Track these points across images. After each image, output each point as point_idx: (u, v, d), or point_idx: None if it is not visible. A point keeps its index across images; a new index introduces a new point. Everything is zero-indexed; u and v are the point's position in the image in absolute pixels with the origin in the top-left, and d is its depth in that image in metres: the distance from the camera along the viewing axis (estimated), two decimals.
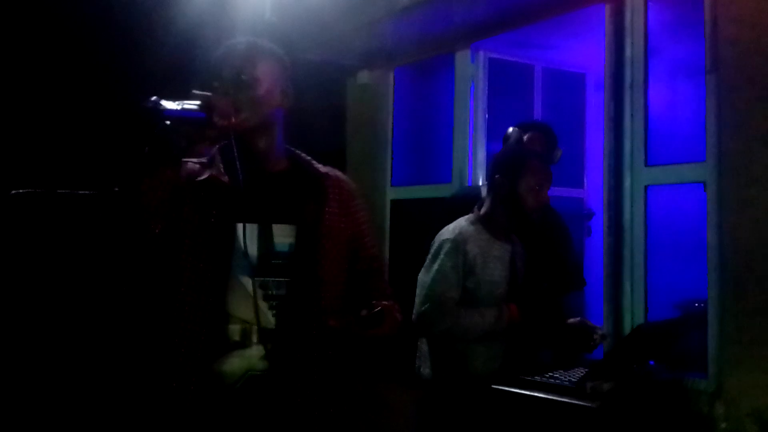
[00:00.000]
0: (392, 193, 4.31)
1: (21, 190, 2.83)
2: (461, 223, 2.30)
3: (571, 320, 2.30)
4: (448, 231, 2.27)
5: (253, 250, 1.50)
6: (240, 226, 1.49)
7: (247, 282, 1.49)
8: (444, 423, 2.20)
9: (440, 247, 2.23)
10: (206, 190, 1.52)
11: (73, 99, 3.73)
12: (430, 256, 2.26)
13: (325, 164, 1.69)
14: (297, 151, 1.66)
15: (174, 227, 1.48)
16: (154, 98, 1.38)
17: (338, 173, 1.68)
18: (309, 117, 4.17)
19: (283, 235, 1.53)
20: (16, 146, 3.54)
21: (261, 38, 1.64)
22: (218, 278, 1.47)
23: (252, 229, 1.51)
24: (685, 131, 3.03)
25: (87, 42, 3.70)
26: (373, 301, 1.51)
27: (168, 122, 1.37)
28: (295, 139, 1.74)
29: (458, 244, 2.20)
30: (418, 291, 2.23)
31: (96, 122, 3.72)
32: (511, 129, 2.87)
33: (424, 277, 2.23)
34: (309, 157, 1.65)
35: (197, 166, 1.54)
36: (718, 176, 2.58)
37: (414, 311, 2.21)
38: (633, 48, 2.95)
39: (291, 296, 1.52)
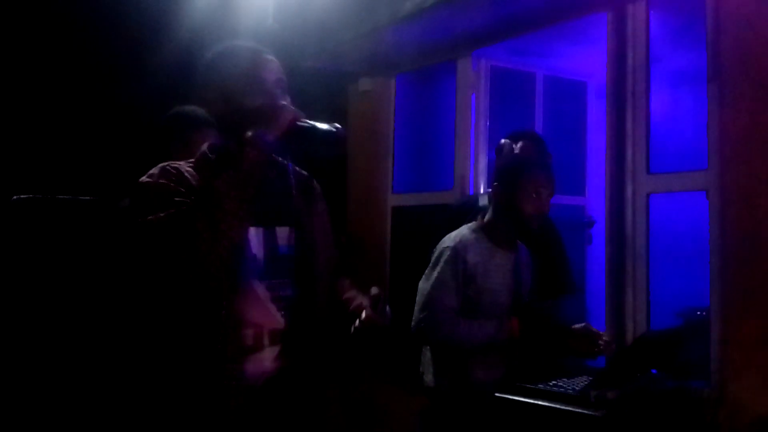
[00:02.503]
0: (393, 200, 4.31)
1: (23, 196, 2.83)
2: (463, 231, 2.30)
3: (576, 326, 2.30)
4: (450, 239, 2.27)
5: (260, 253, 1.53)
6: (251, 230, 1.51)
7: (257, 285, 1.51)
8: (447, 431, 2.20)
9: (441, 254, 2.23)
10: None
11: (76, 105, 3.73)
12: (431, 264, 2.26)
13: (326, 171, 1.72)
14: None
15: None
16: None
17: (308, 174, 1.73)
18: None
19: (283, 237, 1.57)
20: (17, 152, 3.54)
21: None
22: (231, 283, 1.48)
23: (258, 233, 1.53)
24: (687, 139, 3.03)
25: (89, 49, 3.71)
26: (352, 307, 1.60)
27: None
28: None
29: (458, 252, 2.20)
30: (417, 298, 2.22)
31: (98, 128, 3.72)
32: (502, 140, 2.93)
33: (423, 285, 2.22)
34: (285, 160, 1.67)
35: (190, 168, 1.53)
36: (720, 184, 2.58)
37: (413, 319, 2.21)
38: (635, 56, 2.96)
39: (297, 296, 1.56)
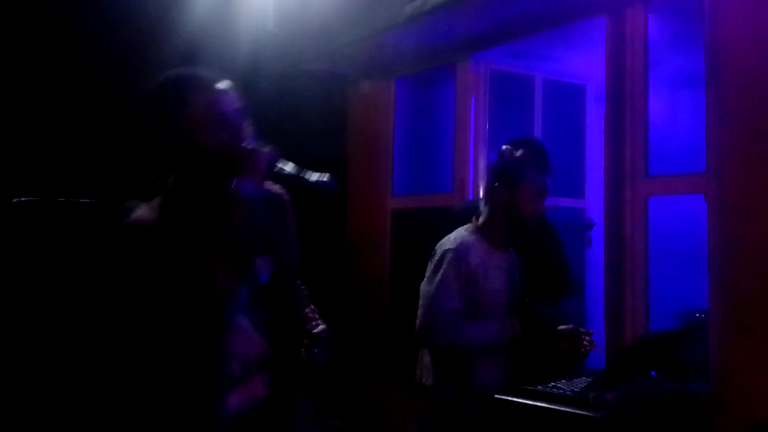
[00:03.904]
0: (393, 203, 4.32)
1: (22, 198, 2.83)
2: (461, 233, 2.31)
3: (562, 327, 2.31)
4: (450, 241, 2.28)
5: (242, 292, 1.47)
6: None
7: (241, 318, 1.47)
8: None
9: (442, 257, 2.23)
10: None
11: (76, 109, 3.74)
12: (432, 267, 2.26)
13: (325, 174, 1.66)
14: None
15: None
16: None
17: (278, 187, 1.59)
18: (310, 127, 4.20)
19: (262, 266, 1.52)
20: (17, 155, 3.55)
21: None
22: (221, 321, 1.44)
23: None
24: (686, 142, 3.04)
25: (90, 53, 3.72)
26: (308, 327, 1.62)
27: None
28: (296, 149, 1.73)
29: (460, 254, 2.21)
30: (421, 302, 2.23)
31: (98, 132, 3.73)
32: (504, 147, 2.97)
33: (426, 288, 2.23)
34: None
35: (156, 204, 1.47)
36: (718, 187, 2.59)
37: (417, 322, 2.21)
38: (633, 59, 2.97)
39: (277, 322, 1.53)
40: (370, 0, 3.73)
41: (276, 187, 1.58)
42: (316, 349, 1.59)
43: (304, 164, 1.48)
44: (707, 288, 2.59)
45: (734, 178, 2.55)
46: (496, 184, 2.31)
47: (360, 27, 3.78)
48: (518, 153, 2.90)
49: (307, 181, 1.39)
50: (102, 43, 3.74)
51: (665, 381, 2.27)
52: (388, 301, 4.13)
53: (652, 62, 2.95)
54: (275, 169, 1.39)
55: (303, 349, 1.60)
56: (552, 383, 2.07)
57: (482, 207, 2.87)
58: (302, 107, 4.19)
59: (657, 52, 2.99)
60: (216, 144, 1.38)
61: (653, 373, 2.27)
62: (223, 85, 1.45)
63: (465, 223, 2.40)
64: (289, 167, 1.41)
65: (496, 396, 2.05)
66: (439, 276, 2.20)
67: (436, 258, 2.26)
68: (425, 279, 2.26)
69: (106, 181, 3.29)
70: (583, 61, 3.84)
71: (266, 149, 1.40)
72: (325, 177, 1.39)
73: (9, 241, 2.67)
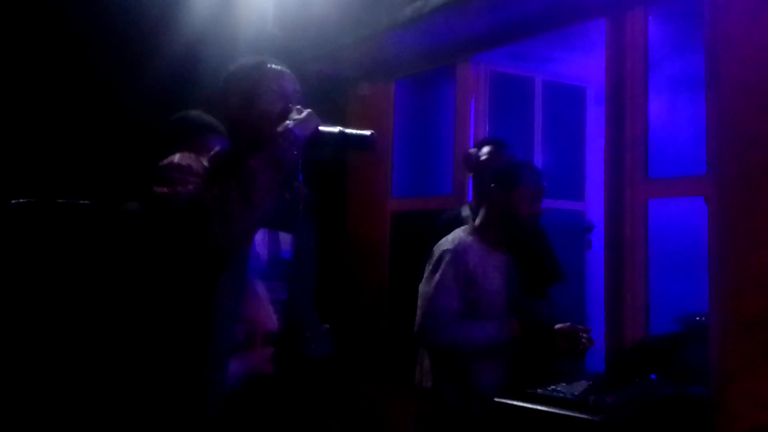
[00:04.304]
0: (393, 205, 4.32)
1: (21, 200, 2.82)
2: (459, 233, 2.32)
3: (559, 325, 2.31)
4: (447, 242, 2.29)
5: (263, 253, 1.57)
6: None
7: (258, 284, 1.55)
8: None
9: (441, 258, 2.24)
10: None
11: (75, 110, 3.73)
12: (430, 268, 2.27)
13: (325, 176, 1.75)
14: None
15: None
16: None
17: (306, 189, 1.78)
18: None
19: (285, 243, 1.62)
20: (16, 156, 3.54)
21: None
22: (235, 280, 1.50)
23: (263, 234, 1.57)
24: (686, 145, 3.04)
25: (90, 54, 3.72)
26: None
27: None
28: None
29: (458, 254, 2.21)
30: (420, 302, 2.23)
31: (97, 133, 3.72)
32: (470, 150, 3.13)
33: (425, 288, 2.23)
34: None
35: (206, 163, 1.57)
36: (718, 190, 2.59)
37: (416, 323, 2.21)
38: (633, 62, 2.97)
39: (291, 300, 1.61)
40: (370, 1, 3.73)
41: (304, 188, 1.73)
42: (316, 340, 1.62)
43: (303, 165, 1.60)
44: (707, 291, 2.59)
45: (734, 180, 2.54)
46: (493, 185, 2.31)
47: (360, 28, 3.78)
48: (483, 153, 2.99)
49: (350, 135, 1.58)
50: (102, 45, 3.74)
51: (665, 384, 2.27)
52: (388, 303, 4.12)
53: (653, 64, 2.95)
54: (321, 130, 1.55)
55: (302, 341, 1.63)
56: (552, 386, 2.07)
57: (464, 213, 2.90)
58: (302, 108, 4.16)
59: (657, 55, 2.99)
60: (274, 110, 1.57)
61: (653, 376, 2.27)
62: (287, 70, 1.69)
63: (447, 232, 2.41)
64: (333, 128, 1.58)
65: (497, 399, 2.05)
66: (437, 277, 2.20)
67: (434, 259, 2.26)
68: (423, 280, 2.26)
69: (105, 182, 3.28)
70: (584, 63, 3.84)
71: (314, 114, 1.58)
72: (367, 132, 1.59)
73: (7, 243, 2.67)
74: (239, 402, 1.50)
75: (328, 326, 1.70)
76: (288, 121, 1.51)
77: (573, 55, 3.75)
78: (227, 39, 3.83)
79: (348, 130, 1.57)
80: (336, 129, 1.57)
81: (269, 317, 1.55)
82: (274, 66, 1.66)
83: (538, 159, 3.89)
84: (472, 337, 2.17)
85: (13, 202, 2.69)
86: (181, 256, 1.46)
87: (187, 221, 1.41)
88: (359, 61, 4.18)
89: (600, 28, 3.09)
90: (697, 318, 2.76)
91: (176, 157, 1.52)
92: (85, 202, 2.69)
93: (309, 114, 1.56)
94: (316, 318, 1.74)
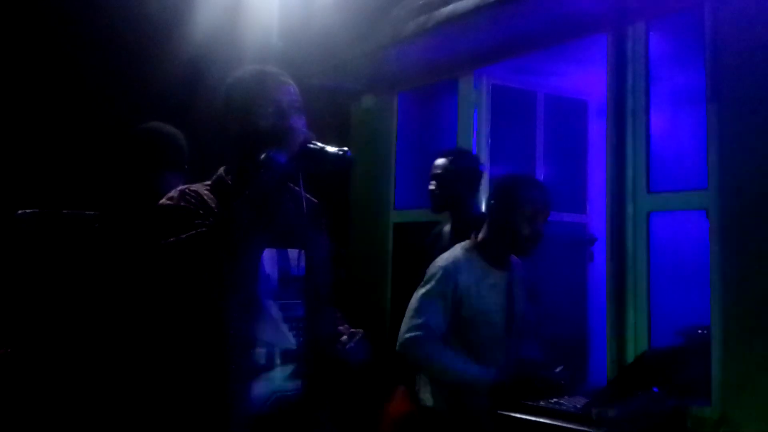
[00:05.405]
0: (395, 217, 4.33)
1: (27, 210, 2.84)
2: (457, 250, 2.26)
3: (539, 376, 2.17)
4: (443, 259, 2.24)
5: (273, 273, 1.57)
6: (265, 251, 1.55)
7: (270, 305, 1.55)
8: None
9: (433, 274, 2.20)
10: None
11: (81, 121, 3.76)
12: (422, 282, 2.24)
13: (328, 189, 1.75)
14: None
15: None
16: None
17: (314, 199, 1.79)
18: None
19: (294, 259, 1.61)
20: (22, 166, 3.57)
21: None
22: (245, 303, 1.51)
23: (271, 254, 1.57)
24: (687, 158, 3.05)
25: (96, 65, 3.75)
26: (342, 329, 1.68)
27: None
28: None
29: (449, 272, 2.16)
30: (405, 316, 2.20)
31: (102, 146, 3.75)
32: (439, 161, 2.96)
33: (410, 303, 2.20)
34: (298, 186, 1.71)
35: (207, 191, 1.57)
36: (720, 203, 2.60)
37: (398, 336, 2.18)
38: (634, 76, 2.99)
39: (308, 317, 1.60)
40: (375, 16, 3.77)
41: (315, 200, 1.75)
42: (352, 343, 1.62)
43: (305, 178, 1.61)
44: (709, 304, 2.59)
45: (735, 194, 2.55)
46: (492, 201, 2.26)
47: (364, 42, 3.82)
48: (449, 161, 2.88)
49: (328, 153, 1.54)
50: (108, 56, 3.78)
51: (667, 397, 2.26)
52: (390, 315, 4.12)
53: (654, 78, 2.97)
54: (307, 145, 1.54)
55: (338, 345, 1.62)
56: (554, 399, 2.06)
57: (446, 228, 2.84)
58: (306, 120, 4.19)
59: (658, 69, 3.01)
60: (266, 126, 1.56)
61: (655, 389, 2.26)
62: (284, 78, 1.66)
63: (432, 252, 2.37)
64: (316, 144, 1.56)
65: (499, 412, 2.04)
66: (423, 291, 2.18)
67: (428, 274, 2.23)
68: (413, 294, 2.23)
69: (110, 193, 3.30)
70: (585, 77, 3.86)
71: (303, 130, 1.57)
72: (343, 150, 1.55)
73: (14, 254, 2.68)
74: (268, 423, 1.51)
75: (362, 331, 1.68)
76: (270, 148, 1.48)
77: (575, 69, 3.77)
78: (232, 52, 3.87)
79: (328, 148, 1.55)
80: (318, 145, 1.55)
81: (285, 336, 1.55)
82: (271, 79, 1.63)
83: (540, 172, 3.91)
84: (449, 366, 2.11)
85: (19, 212, 2.71)
86: (184, 286, 1.47)
87: (187, 270, 1.43)
88: (363, 74, 4.21)
89: (602, 43, 3.12)
90: (699, 331, 2.76)
91: (175, 195, 1.51)
92: (92, 212, 2.71)
93: (294, 131, 1.53)
94: (346, 326, 1.73)
